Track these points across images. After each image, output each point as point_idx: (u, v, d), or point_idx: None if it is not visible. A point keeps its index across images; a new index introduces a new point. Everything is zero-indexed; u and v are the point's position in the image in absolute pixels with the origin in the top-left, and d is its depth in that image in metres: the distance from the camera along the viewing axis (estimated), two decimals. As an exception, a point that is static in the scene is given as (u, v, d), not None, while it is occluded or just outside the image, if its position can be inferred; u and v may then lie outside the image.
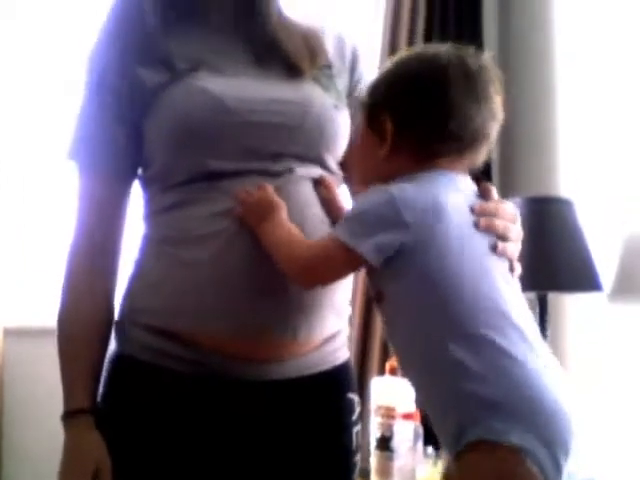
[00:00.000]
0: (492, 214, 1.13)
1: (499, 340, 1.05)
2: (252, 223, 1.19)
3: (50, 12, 2.93)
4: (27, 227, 2.91)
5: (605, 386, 2.42)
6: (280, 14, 1.35)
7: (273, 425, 1.26)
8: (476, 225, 1.10)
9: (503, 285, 1.11)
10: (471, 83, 1.13)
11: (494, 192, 1.18)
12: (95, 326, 1.29)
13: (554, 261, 2.29)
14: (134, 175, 1.32)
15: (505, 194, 2.81)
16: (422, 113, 1.13)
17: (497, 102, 1.17)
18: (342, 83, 1.35)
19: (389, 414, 2.19)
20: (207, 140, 1.22)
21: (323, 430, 1.29)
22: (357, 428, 1.33)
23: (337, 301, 1.27)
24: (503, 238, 1.14)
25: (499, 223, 1.13)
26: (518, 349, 1.06)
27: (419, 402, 1.15)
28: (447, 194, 1.11)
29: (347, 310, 1.34)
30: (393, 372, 2.38)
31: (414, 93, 1.13)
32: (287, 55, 1.31)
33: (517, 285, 1.15)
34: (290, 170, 1.24)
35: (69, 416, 1.26)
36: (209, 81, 1.25)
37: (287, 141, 1.24)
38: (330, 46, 1.37)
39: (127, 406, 1.25)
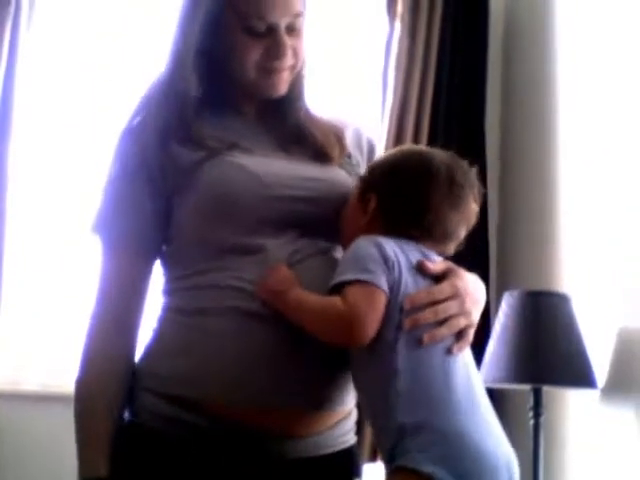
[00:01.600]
0: (423, 304, 1.19)
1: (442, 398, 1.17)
2: (274, 303, 1.23)
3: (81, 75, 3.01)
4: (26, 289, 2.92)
5: (600, 477, 2.41)
6: (306, 108, 1.43)
7: None
8: (400, 327, 1.18)
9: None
10: (453, 191, 1.26)
11: (429, 267, 1.23)
12: (115, 393, 1.29)
13: (549, 355, 2.32)
14: (158, 251, 1.35)
15: (502, 287, 2.86)
16: (403, 203, 1.26)
17: (473, 211, 1.29)
18: (360, 172, 1.42)
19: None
20: (240, 213, 1.27)
21: None
22: None
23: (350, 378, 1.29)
24: (439, 323, 1.20)
25: (427, 313, 1.18)
26: (457, 397, 1.17)
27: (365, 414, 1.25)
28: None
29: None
30: (382, 455, 2.37)
31: (402, 185, 1.26)
32: (315, 143, 1.38)
33: (463, 360, 1.23)
34: (312, 246, 1.29)
35: None
36: (244, 159, 1.31)
37: (312, 214, 1.31)
38: (349, 138, 1.45)
39: (139, 475, 1.25)
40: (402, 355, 1.17)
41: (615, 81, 2.53)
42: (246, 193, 1.27)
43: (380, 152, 1.55)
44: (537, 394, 2.38)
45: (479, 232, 3.20)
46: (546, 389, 2.41)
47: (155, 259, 1.36)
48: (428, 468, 1.11)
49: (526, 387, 2.38)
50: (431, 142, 2.96)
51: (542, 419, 2.37)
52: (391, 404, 1.16)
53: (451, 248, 1.29)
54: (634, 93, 2.42)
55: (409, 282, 1.20)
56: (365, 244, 1.22)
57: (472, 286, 1.26)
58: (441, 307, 1.20)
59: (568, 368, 2.31)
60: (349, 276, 1.19)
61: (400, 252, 1.21)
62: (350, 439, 1.35)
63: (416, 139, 2.98)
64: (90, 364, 1.31)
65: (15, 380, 2.82)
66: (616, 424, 2.35)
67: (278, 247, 1.27)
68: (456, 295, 1.22)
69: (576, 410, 2.58)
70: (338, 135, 1.42)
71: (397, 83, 3.06)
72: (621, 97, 2.49)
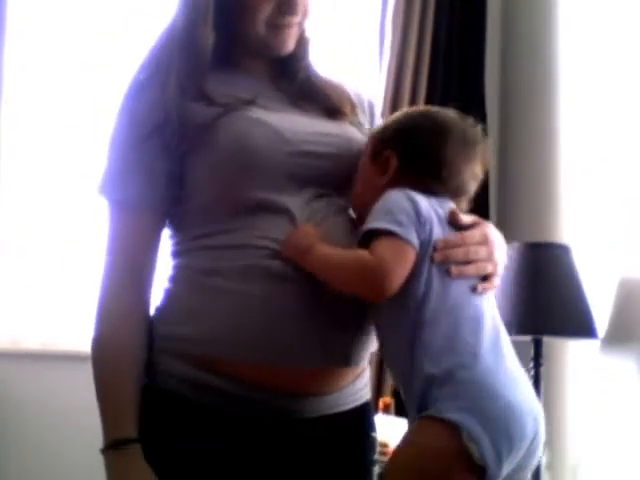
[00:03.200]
0: (453, 245, 1.21)
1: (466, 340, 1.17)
2: (299, 260, 1.22)
3: (85, 33, 2.96)
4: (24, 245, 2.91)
5: (600, 431, 2.43)
6: (313, 67, 1.41)
7: (304, 462, 1.27)
8: (431, 259, 1.20)
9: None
10: (466, 147, 1.30)
11: (461, 217, 1.25)
12: (136, 349, 1.26)
13: (550, 306, 2.33)
14: (169, 211, 1.31)
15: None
16: (424, 157, 1.28)
17: (481, 167, 1.32)
18: (366, 132, 1.41)
19: (383, 451, 2.20)
20: (261, 168, 1.25)
21: (351, 468, 1.32)
22: (376, 467, 1.36)
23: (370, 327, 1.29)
24: (466, 263, 1.21)
25: (458, 251, 1.20)
26: (484, 349, 1.17)
27: (393, 376, 1.27)
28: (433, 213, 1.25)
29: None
30: (386, 409, 2.40)
31: (420, 142, 1.29)
32: (327, 99, 1.37)
33: (487, 299, 1.24)
34: (332, 204, 1.28)
35: (116, 446, 1.21)
36: (263, 114, 1.28)
37: (331, 170, 1.29)
38: (354, 98, 1.44)
39: (161, 441, 1.23)
40: (431, 305, 1.17)
41: (618, 31, 2.51)
42: (268, 148, 1.25)
43: (379, 112, 1.54)
44: (537, 345, 2.40)
45: (479, 185, 3.20)
46: (546, 340, 2.43)
47: (165, 219, 1.32)
48: (455, 416, 1.10)
49: (527, 338, 2.39)
50: (429, 100, 2.93)
51: (542, 369, 2.39)
52: (418, 354, 1.16)
53: (464, 203, 1.31)
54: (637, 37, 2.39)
55: (440, 235, 1.21)
56: (399, 197, 1.21)
57: (498, 239, 1.28)
58: (472, 249, 1.22)
59: (568, 318, 2.32)
60: (381, 224, 1.18)
61: (430, 208, 1.22)
62: (365, 395, 1.35)
63: (414, 97, 2.94)
64: (106, 323, 1.26)
65: (15, 339, 2.83)
66: (616, 374, 2.37)
67: (299, 205, 1.25)
68: (485, 242, 1.24)
69: (576, 361, 2.59)
70: (347, 93, 1.41)
71: (394, 41, 3.00)
72: (624, 47, 2.46)
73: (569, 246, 2.43)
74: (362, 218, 1.25)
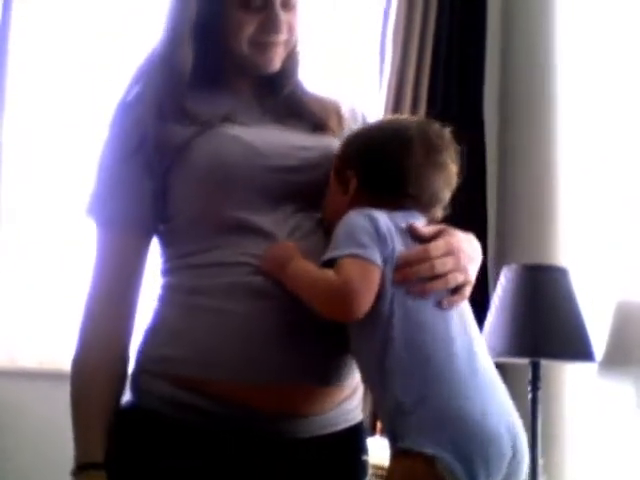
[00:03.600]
0: (416, 261, 1.18)
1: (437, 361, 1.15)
2: (276, 275, 1.21)
3: (73, 56, 2.98)
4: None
5: (597, 455, 2.42)
6: (301, 84, 1.41)
7: None
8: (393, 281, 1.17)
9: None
10: (432, 156, 1.24)
11: (422, 230, 1.22)
12: (111, 375, 1.27)
13: (548, 329, 2.33)
14: (155, 231, 1.33)
15: (500, 261, 2.86)
16: (384, 176, 1.25)
17: (452, 172, 1.27)
18: None
19: (380, 473, 2.19)
20: (237, 185, 1.25)
21: None
22: None
23: None
24: (434, 277, 1.18)
25: (423, 267, 1.17)
26: (454, 371, 1.14)
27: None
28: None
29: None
30: (384, 432, 2.39)
31: (379, 158, 1.25)
32: (312, 115, 1.37)
33: (461, 314, 1.21)
34: (310, 219, 1.28)
35: (82, 470, 1.23)
36: (238, 130, 1.29)
37: (307, 184, 1.29)
38: (346, 113, 1.43)
39: (144, 461, 1.23)
40: (397, 326, 1.14)
41: (618, 42, 2.52)
42: (242, 164, 1.25)
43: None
44: (535, 367, 2.39)
45: (477, 205, 3.21)
46: (544, 363, 2.42)
47: (151, 239, 1.34)
48: (427, 449, 1.09)
49: (524, 361, 2.39)
50: (429, 112, 2.94)
51: (540, 392, 2.38)
52: (388, 379, 1.15)
53: (438, 212, 1.27)
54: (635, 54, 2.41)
55: (403, 251, 1.19)
56: (357, 217, 1.20)
57: (466, 244, 1.24)
58: (438, 262, 1.18)
59: (566, 342, 2.32)
60: (343, 251, 1.17)
61: (391, 223, 1.20)
62: (357, 416, 1.33)
63: (414, 108, 2.96)
64: (87, 345, 1.28)
65: (12, 357, 2.82)
66: (614, 397, 2.37)
67: (277, 222, 1.26)
68: (451, 252, 1.20)
69: (574, 383, 2.59)
70: (336, 107, 1.41)
71: (395, 52, 3.03)
72: (627, 54, 2.47)
73: (567, 269, 2.43)
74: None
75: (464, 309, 1.22)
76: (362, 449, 1.36)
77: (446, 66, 3.04)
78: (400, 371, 1.14)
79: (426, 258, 1.18)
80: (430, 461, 1.08)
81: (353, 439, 1.33)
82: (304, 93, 1.41)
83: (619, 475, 2.31)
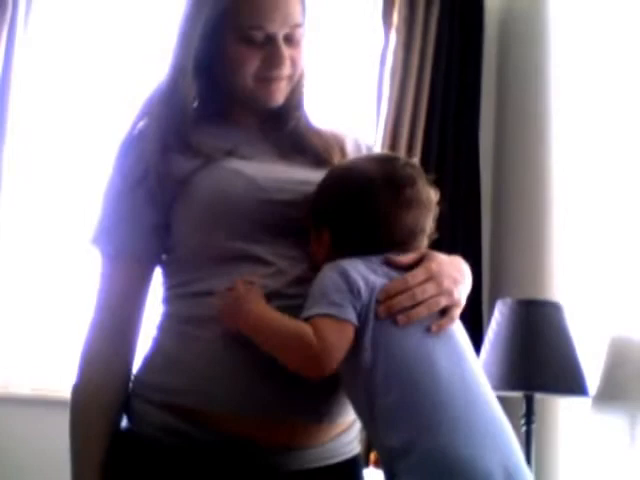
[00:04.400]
0: (396, 293, 1.17)
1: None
2: (234, 326, 1.20)
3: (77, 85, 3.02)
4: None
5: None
6: (306, 118, 1.43)
7: None
8: (376, 316, 1.17)
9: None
10: (399, 193, 1.23)
11: (399, 260, 1.21)
12: (111, 402, 1.29)
13: (542, 363, 2.34)
14: (158, 261, 1.35)
15: (494, 295, 2.88)
16: (354, 230, 1.24)
17: (428, 199, 1.25)
18: None
19: (373, 506, 2.19)
20: (236, 218, 1.27)
21: None
22: None
23: None
24: (415, 306, 1.17)
25: (403, 297, 1.17)
26: (443, 408, 1.13)
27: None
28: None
29: None
30: (377, 464, 2.39)
31: (346, 213, 1.24)
32: (316, 149, 1.39)
33: (455, 339, 1.20)
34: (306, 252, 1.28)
35: None
36: (241, 164, 1.31)
37: (304, 219, 1.29)
38: (349, 147, 1.45)
39: None
40: (380, 372, 1.14)
41: (613, 87, 2.56)
42: (243, 197, 1.27)
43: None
44: (529, 401, 2.40)
45: (472, 240, 3.24)
46: (538, 397, 2.43)
47: (154, 269, 1.35)
48: None
49: (518, 394, 2.40)
50: (425, 153, 2.98)
51: (534, 426, 2.39)
52: (377, 425, 1.15)
53: (423, 242, 1.27)
54: (632, 94, 2.44)
55: (386, 284, 1.18)
56: (329, 274, 1.19)
57: (448, 267, 1.23)
58: (418, 290, 1.18)
59: (560, 376, 2.33)
60: (317, 310, 1.16)
61: (366, 268, 1.19)
62: (354, 448, 1.33)
63: (410, 150, 3.00)
64: (87, 373, 1.30)
65: (5, 383, 2.82)
66: (607, 432, 2.37)
67: (277, 253, 1.27)
68: (431, 277, 1.19)
69: (568, 418, 2.59)
70: (339, 142, 1.43)
71: (392, 93, 3.08)
72: (618, 97, 2.51)
73: (561, 304, 2.45)
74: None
75: (458, 337, 1.21)
76: None
77: (443, 105, 3.09)
78: (388, 415, 1.14)
79: (406, 288, 1.18)
80: None
81: (349, 472, 1.33)
82: (308, 127, 1.43)
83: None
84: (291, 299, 1.23)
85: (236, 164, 1.31)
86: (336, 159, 1.39)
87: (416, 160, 1.27)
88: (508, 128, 3.19)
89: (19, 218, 2.94)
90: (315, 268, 1.24)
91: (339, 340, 1.15)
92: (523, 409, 2.39)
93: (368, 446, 2.69)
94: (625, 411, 2.31)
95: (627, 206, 2.40)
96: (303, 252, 1.28)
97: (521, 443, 2.28)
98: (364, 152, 1.48)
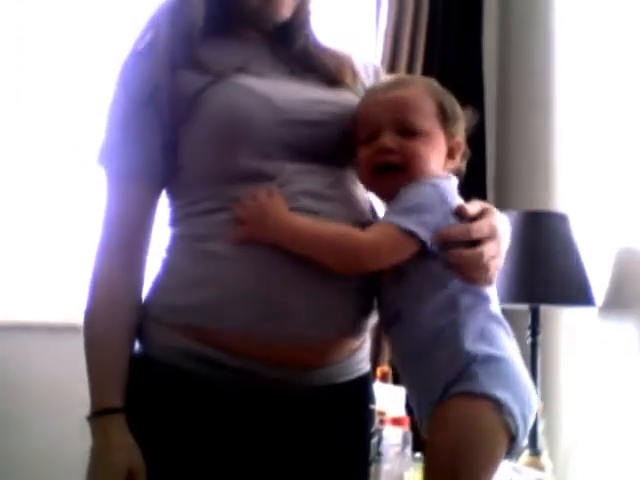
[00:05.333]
0: (460, 237, 1.18)
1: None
2: (259, 234, 1.19)
3: (79, 14, 2.94)
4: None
5: (596, 399, 2.44)
6: (313, 35, 1.40)
7: (299, 433, 1.26)
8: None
9: None
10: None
11: (469, 211, 1.21)
12: (123, 324, 1.26)
13: (547, 274, 2.33)
14: (165, 181, 1.31)
15: (500, 208, 2.84)
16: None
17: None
18: None
19: (379, 419, 2.22)
20: (249, 140, 1.23)
21: (348, 440, 1.31)
22: (374, 439, 1.36)
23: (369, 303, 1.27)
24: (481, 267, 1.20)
25: (473, 256, 1.18)
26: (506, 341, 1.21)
27: (407, 380, 1.23)
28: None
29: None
30: (383, 378, 2.41)
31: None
32: (327, 68, 1.36)
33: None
34: (328, 174, 1.26)
35: (100, 415, 1.22)
36: (253, 81, 1.27)
37: (326, 138, 1.27)
38: (359, 67, 1.42)
39: (153, 412, 1.23)
40: (468, 296, 1.18)
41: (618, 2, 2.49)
42: (257, 117, 1.23)
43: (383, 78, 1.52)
44: (534, 313, 2.40)
45: (476, 154, 3.18)
46: (544, 309, 2.43)
47: (162, 190, 1.32)
48: (499, 393, 1.12)
49: (524, 307, 2.40)
50: (426, 69, 2.90)
51: (539, 338, 2.40)
52: (460, 334, 1.15)
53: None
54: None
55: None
56: (436, 194, 1.19)
57: (503, 227, 1.24)
58: (486, 248, 1.18)
59: (566, 286, 2.33)
60: (405, 222, 1.16)
61: (454, 199, 1.22)
62: (365, 366, 1.34)
63: (410, 66, 2.92)
64: (99, 295, 1.27)
65: (13, 312, 2.84)
66: (614, 341, 2.38)
67: (293, 174, 1.23)
68: (493, 236, 1.20)
69: (573, 328, 2.60)
70: (350, 62, 1.39)
71: (390, 7, 2.98)
72: (623, 22, 2.45)
73: (567, 215, 2.43)
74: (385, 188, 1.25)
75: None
76: (370, 398, 1.37)
77: (444, 17, 3.00)
78: (472, 332, 1.16)
79: (468, 239, 1.18)
80: (494, 406, 1.11)
81: (363, 388, 1.34)
82: (318, 46, 1.39)
83: (619, 419, 2.33)
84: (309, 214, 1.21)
85: (248, 81, 1.27)
86: (348, 79, 1.36)
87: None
88: (512, 39, 3.11)
89: (24, 141, 2.91)
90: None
91: (393, 253, 1.16)
92: (528, 321, 2.39)
93: (375, 361, 2.73)
94: (631, 320, 2.32)
95: (635, 115, 2.36)
96: (323, 175, 1.25)
97: (526, 355, 2.31)
98: (372, 75, 1.45)
